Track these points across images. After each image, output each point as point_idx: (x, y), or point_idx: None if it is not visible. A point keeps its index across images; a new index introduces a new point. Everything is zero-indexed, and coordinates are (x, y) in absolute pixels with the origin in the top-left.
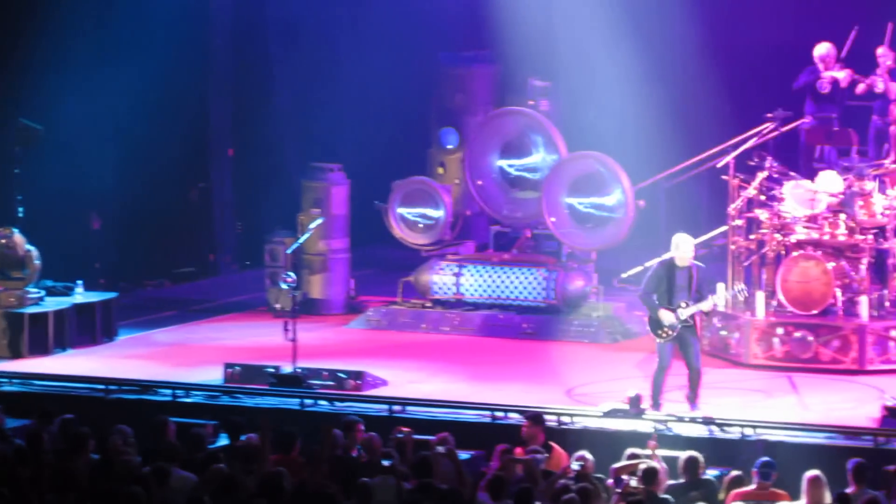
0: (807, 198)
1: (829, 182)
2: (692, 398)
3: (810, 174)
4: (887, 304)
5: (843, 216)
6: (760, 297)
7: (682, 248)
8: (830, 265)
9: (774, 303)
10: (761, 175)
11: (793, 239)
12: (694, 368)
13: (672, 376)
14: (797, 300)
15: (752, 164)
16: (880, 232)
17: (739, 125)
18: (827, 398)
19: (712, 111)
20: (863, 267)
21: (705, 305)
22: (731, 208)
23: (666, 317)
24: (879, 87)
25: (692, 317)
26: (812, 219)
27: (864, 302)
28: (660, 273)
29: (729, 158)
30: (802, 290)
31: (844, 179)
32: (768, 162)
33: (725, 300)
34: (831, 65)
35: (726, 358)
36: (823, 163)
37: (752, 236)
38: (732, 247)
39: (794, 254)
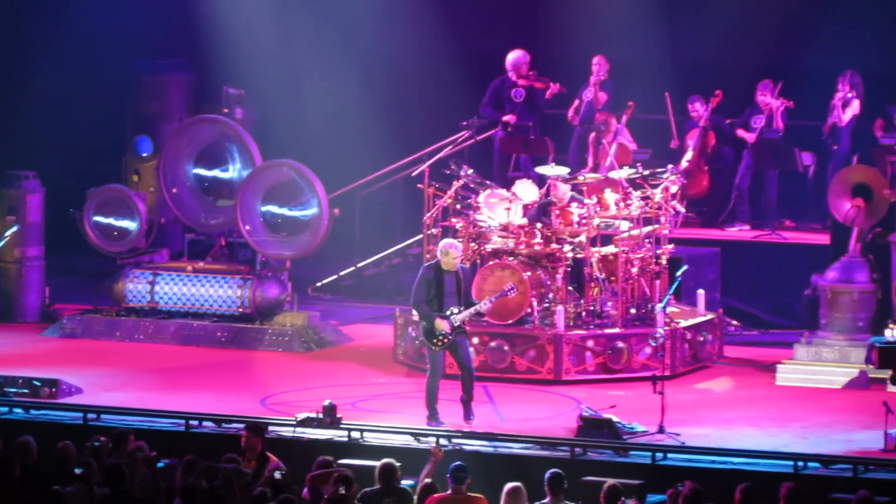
0: (502, 207)
1: (525, 191)
2: (467, 401)
3: (506, 183)
4: (584, 313)
5: (539, 225)
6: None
7: (451, 254)
8: (526, 274)
9: None
10: (457, 184)
11: (488, 248)
12: (466, 368)
13: (370, 385)
14: (493, 310)
15: (448, 172)
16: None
17: (435, 133)
18: (523, 408)
19: (408, 119)
20: (559, 276)
21: (482, 307)
22: (427, 217)
23: (441, 325)
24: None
25: (464, 321)
26: (508, 228)
27: (560, 312)
28: (428, 279)
29: (424, 167)
30: (498, 300)
31: (541, 188)
32: (464, 170)
33: (490, 302)
34: (523, 71)
35: (422, 368)
36: (520, 171)
37: None
38: (428, 255)
39: (490, 263)
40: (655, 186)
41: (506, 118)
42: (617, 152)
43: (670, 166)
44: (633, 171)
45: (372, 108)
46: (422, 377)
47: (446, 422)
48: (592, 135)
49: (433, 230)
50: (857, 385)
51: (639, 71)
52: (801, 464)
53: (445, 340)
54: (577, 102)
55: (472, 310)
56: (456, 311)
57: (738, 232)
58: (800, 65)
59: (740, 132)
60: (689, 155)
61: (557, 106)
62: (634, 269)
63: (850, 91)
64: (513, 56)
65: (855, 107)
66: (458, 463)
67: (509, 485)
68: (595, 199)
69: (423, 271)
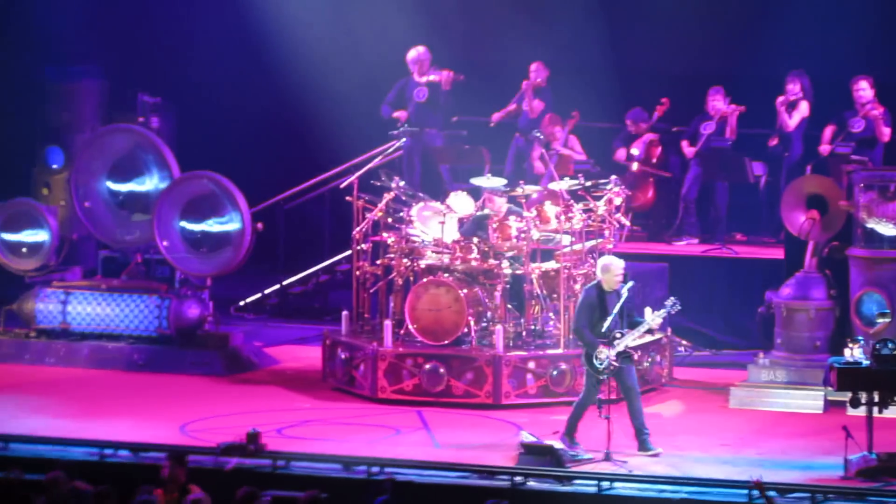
0: (436, 220)
1: (460, 203)
2: (640, 429)
3: (440, 195)
4: (524, 333)
5: (475, 240)
6: (388, 326)
7: (613, 271)
8: (463, 292)
9: (403, 332)
10: (388, 196)
11: (422, 264)
12: (636, 393)
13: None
14: (427, 329)
15: (378, 184)
16: (516, 257)
17: (365, 143)
18: (460, 434)
19: (336, 128)
20: (497, 294)
21: (653, 322)
22: (356, 232)
23: (605, 353)
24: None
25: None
26: (442, 242)
27: (499, 331)
28: (591, 302)
29: (353, 178)
30: (433, 319)
31: (476, 201)
32: (395, 182)
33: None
34: (426, 68)
35: (352, 391)
36: (455, 183)
37: (378, 261)
38: (357, 273)
39: (424, 280)
40: (598, 198)
41: (396, 114)
42: (558, 163)
43: (614, 177)
44: (575, 182)
45: (298, 117)
46: (351, 401)
47: (582, 447)
48: (542, 150)
49: (363, 246)
50: (815, 408)
51: (583, 78)
52: (755, 493)
53: (612, 368)
54: (509, 108)
55: (637, 330)
56: (619, 335)
57: (687, 246)
58: (749, 71)
59: (684, 144)
60: (634, 165)
61: (479, 113)
62: (577, 286)
63: (799, 92)
64: (414, 53)
65: (803, 109)
66: (383, 497)
67: None
68: (534, 212)
69: (584, 294)
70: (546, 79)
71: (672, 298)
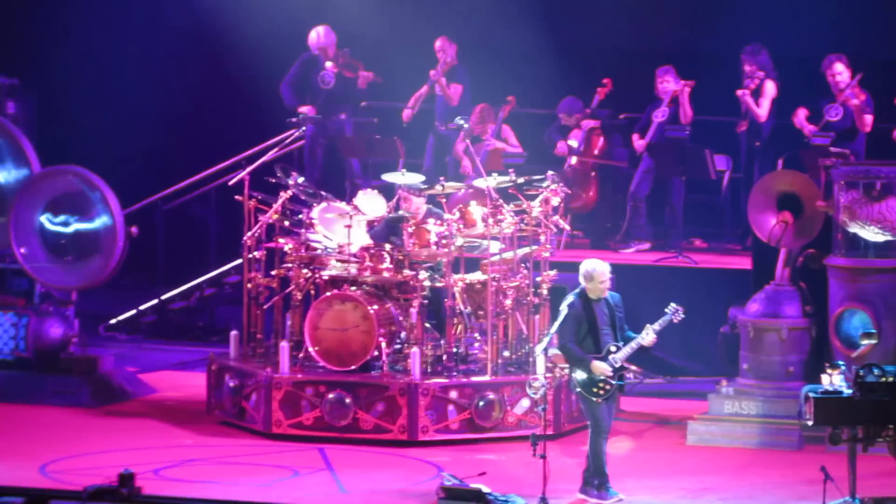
0: (342, 223)
1: (370, 204)
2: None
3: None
4: (445, 357)
5: (388, 246)
6: (284, 348)
7: (598, 278)
8: (372, 308)
9: (302, 355)
10: (285, 195)
11: (325, 275)
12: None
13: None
14: (330, 352)
15: (273, 180)
16: (436, 267)
17: (258, 133)
18: (370, 476)
19: (225, 116)
20: (414, 310)
21: (645, 338)
22: (247, 237)
23: (601, 369)
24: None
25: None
26: (349, 250)
27: (415, 355)
28: (577, 314)
29: (244, 174)
30: (337, 340)
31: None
32: (293, 179)
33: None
34: (331, 53)
35: (242, 426)
36: (364, 179)
37: (273, 272)
38: (249, 286)
39: (327, 294)
40: (532, 198)
41: (302, 109)
42: (489, 157)
43: (551, 173)
44: (506, 178)
45: (180, 103)
46: (241, 437)
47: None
48: (465, 143)
49: (255, 253)
50: (788, 446)
51: (512, 56)
52: None
53: (608, 387)
54: (420, 92)
55: (633, 344)
56: (613, 348)
57: (636, 254)
58: (704, 48)
59: (635, 138)
60: (573, 159)
61: (392, 97)
62: (508, 302)
63: (760, 73)
64: (314, 36)
65: (770, 91)
66: None
67: None
68: (458, 214)
69: (567, 305)
70: (456, 54)
71: (673, 304)
